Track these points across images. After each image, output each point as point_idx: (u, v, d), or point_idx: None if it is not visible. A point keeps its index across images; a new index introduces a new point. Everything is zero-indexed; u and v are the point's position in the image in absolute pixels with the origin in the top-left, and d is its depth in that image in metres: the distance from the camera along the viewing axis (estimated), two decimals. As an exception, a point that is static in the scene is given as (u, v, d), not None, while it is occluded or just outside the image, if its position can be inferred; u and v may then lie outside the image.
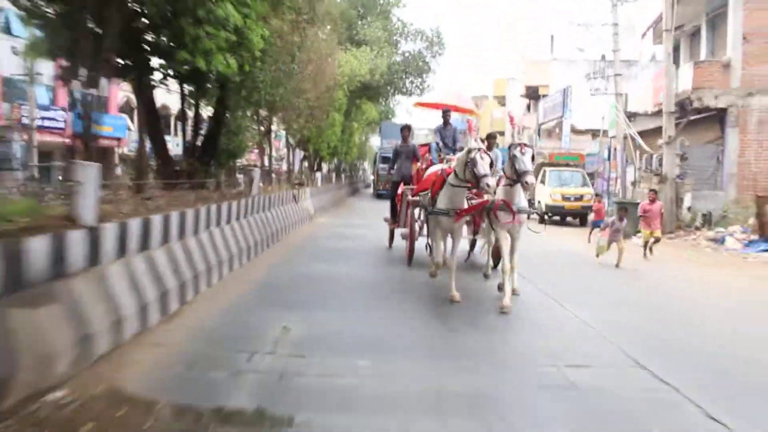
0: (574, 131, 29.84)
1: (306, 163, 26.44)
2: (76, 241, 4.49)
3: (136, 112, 16.22)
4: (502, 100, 49.74)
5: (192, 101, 11.46)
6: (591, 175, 24.94)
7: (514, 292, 7.64)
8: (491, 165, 7.19)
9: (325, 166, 33.23)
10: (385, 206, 13.87)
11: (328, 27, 17.63)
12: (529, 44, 49.17)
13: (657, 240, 13.20)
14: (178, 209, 6.63)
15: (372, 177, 44.71)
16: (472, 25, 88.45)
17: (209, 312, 6.23)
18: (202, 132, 11.46)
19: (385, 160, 30.53)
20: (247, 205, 9.78)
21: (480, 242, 10.12)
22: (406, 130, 11.92)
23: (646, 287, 9.69)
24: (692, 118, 19.42)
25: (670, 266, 12.35)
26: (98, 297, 4.65)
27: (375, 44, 25.00)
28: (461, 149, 8.30)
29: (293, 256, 10.48)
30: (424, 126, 32.80)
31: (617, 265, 11.50)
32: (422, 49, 29.76)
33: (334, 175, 37.85)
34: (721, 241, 15.67)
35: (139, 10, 8.44)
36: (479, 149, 7.06)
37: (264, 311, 6.43)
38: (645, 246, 13.32)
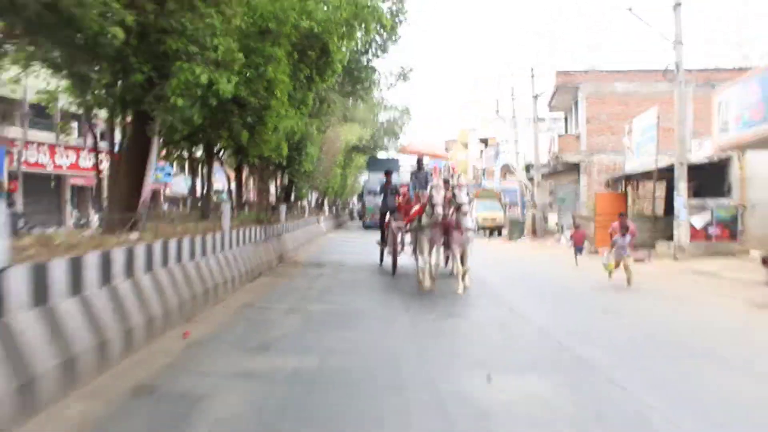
0: (510, 171, 43.83)
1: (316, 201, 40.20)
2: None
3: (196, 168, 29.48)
4: (466, 145, 64.14)
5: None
6: (513, 204, 39.12)
7: (466, 286, 11.47)
8: (447, 200, 11.34)
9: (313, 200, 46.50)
10: (371, 234, 25.44)
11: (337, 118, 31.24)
12: (486, 101, 63.32)
13: (626, 266, 13.05)
14: (276, 223, 20.17)
15: (358, 208, 52.38)
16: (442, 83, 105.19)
17: (311, 250, 19.78)
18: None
19: (371, 192, 38.53)
20: (305, 221, 23.53)
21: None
22: (389, 173, 16.08)
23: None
24: (560, 168, 33.48)
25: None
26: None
27: (361, 120, 38.62)
28: (431, 188, 11.71)
29: (327, 246, 24.09)
30: (406, 162, 45.98)
31: (629, 283, 12.65)
32: (395, 117, 43.79)
33: (328, 208, 51.11)
34: (558, 240, 29.52)
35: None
36: (435, 186, 11.31)
37: (322, 255, 19.98)
38: (616, 266, 13.37)
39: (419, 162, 15.42)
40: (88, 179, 30.19)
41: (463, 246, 11.89)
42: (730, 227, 18.94)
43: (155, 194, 34.68)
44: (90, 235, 8.11)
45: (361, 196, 48.73)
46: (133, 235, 7.70)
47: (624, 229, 13.14)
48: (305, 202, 33.52)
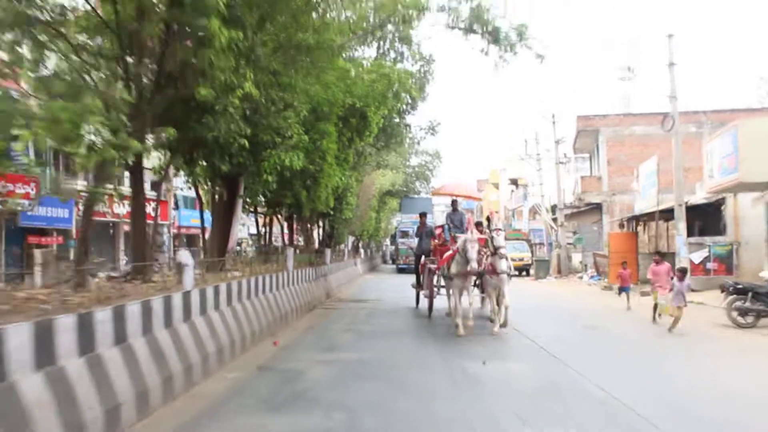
0: (538, 212, 47.06)
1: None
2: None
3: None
4: (497, 185, 67.48)
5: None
6: (540, 244, 42.26)
7: (503, 325, 12.27)
8: (482, 245, 12.31)
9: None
10: (405, 277, 28.71)
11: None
12: (516, 139, 66.88)
13: (665, 310, 13.54)
14: (321, 264, 23.77)
15: (391, 251, 54.44)
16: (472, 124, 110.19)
17: (358, 285, 23.29)
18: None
19: (404, 234, 41.29)
20: (345, 264, 27.13)
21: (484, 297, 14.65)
22: (423, 216, 16.94)
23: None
24: (583, 208, 36.70)
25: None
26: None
27: (393, 166, 42.29)
28: (467, 230, 12.87)
29: (365, 286, 27.58)
30: (440, 201, 48.86)
31: (670, 330, 12.68)
32: (426, 161, 47.62)
33: (363, 251, 54.61)
34: (581, 277, 32.57)
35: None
36: (471, 240, 11.98)
37: (362, 294, 23.46)
38: (655, 309, 14.25)
39: (454, 203, 16.10)
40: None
41: (499, 288, 12.57)
42: (726, 262, 21.90)
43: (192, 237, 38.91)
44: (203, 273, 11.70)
45: (393, 238, 50.70)
46: (236, 273, 11.27)
47: (683, 274, 13.42)
48: (343, 246, 37.21)
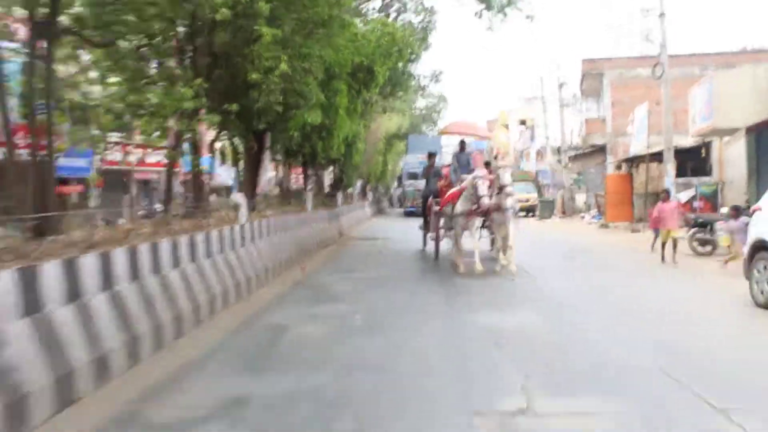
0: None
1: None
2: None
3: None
4: (507, 126, 70.32)
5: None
6: (547, 185, 45.55)
7: (510, 266, 12.78)
8: (491, 184, 12.62)
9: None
10: (412, 220, 31.19)
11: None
12: (524, 83, 69.53)
13: (675, 242, 14.69)
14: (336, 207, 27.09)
15: (399, 193, 54.60)
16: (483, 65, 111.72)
17: (370, 226, 26.72)
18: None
19: (411, 176, 41.84)
20: (354, 207, 30.46)
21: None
22: (432, 156, 17.52)
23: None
24: (587, 150, 39.77)
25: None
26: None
27: (399, 110, 45.19)
28: (473, 170, 13.37)
29: (373, 227, 31.00)
30: (450, 142, 51.59)
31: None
32: (433, 104, 50.60)
33: (370, 194, 58.02)
34: (583, 217, 35.88)
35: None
36: (481, 176, 12.61)
37: (371, 234, 26.89)
38: (663, 247, 15.07)
39: (462, 144, 16.21)
40: (146, 174, 37.27)
41: (506, 226, 13.16)
42: (712, 201, 25.07)
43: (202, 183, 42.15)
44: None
45: (400, 180, 51.51)
46: (269, 212, 14.62)
47: (736, 212, 13.66)
48: (351, 190, 40.53)
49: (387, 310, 9.64)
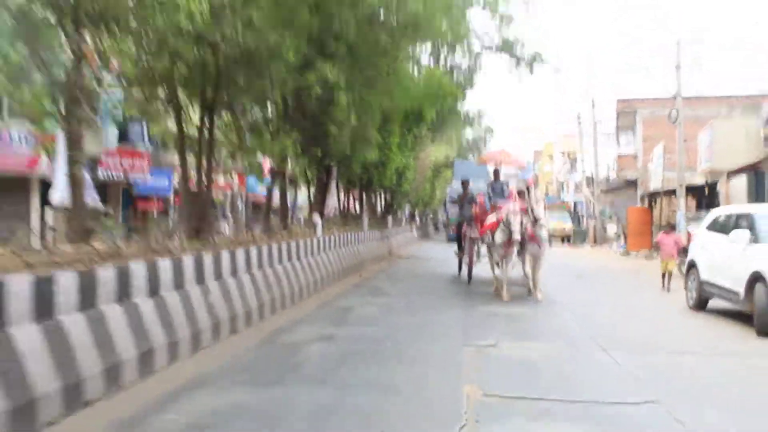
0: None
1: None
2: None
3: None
4: (551, 157, 73.87)
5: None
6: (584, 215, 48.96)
7: (539, 294, 13.67)
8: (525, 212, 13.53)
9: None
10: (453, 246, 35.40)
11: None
12: (567, 115, 73.02)
13: (669, 271, 16.14)
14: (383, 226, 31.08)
15: (443, 219, 56.92)
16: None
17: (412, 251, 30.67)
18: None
19: (453, 202, 48.55)
20: (402, 229, 34.43)
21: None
22: (465, 183, 18.29)
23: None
24: (619, 183, 43.16)
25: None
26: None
27: (447, 140, 49.28)
28: (509, 198, 14.47)
29: (419, 249, 34.92)
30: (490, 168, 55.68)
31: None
32: (479, 135, 54.63)
33: (418, 218, 62.09)
34: (611, 245, 39.23)
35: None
36: (513, 211, 13.53)
37: (417, 254, 30.80)
38: (663, 277, 16.45)
39: (496, 172, 17.30)
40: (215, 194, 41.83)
41: (536, 257, 14.04)
42: (717, 232, 28.39)
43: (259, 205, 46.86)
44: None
45: (445, 206, 56.92)
46: (335, 229, 18.70)
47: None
48: (400, 214, 44.55)
49: (420, 303, 13.55)
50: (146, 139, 30.80)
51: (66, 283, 5.91)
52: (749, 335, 10.26)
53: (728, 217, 12.66)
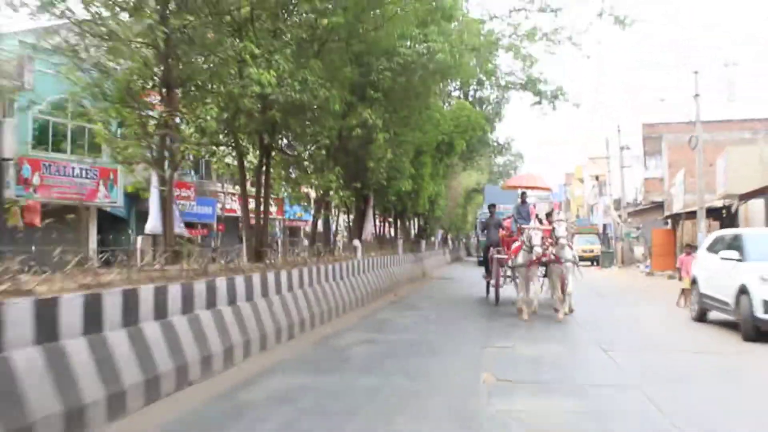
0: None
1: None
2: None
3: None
4: (582, 180, 75.08)
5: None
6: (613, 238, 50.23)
7: (567, 311, 14.20)
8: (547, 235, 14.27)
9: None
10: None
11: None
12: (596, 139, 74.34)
13: (689, 291, 16.04)
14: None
15: (474, 243, 56.88)
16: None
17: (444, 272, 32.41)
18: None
19: (485, 226, 50.32)
20: (435, 252, 36.17)
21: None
22: (492, 207, 19.06)
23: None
24: (647, 206, 44.43)
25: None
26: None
27: (478, 167, 51.05)
28: (529, 230, 14.40)
29: (450, 270, 36.60)
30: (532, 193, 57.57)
31: None
32: (510, 161, 56.39)
33: (451, 242, 63.87)
34: (638, 266, 40.48)
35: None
36: (535, 228, 14.14)
37: (449, 275, 32.54)
38: (681, 294, 17.24)
39: (523, 195, 17.87)
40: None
41: (563, 276, 14.46)
42: (737, 253, 29.64)
43: (297, 229, 48.81)
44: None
45: (475, 229, 58.20)
46: (373, 253, 20.52)
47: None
48: (433, 239, 46.25)
49: (449, 316, 15.29)
50: (192, 171, 33.34)
51: (174, 293, 7.81)
52: (736, 340, 11.80)
53: (724, 238, 14.23)
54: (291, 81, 10.06)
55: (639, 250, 44.03)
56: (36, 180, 24.45)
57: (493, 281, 17.78)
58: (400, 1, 13.52)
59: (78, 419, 5.65)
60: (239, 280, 9.66)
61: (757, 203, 29.17)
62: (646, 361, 9.74)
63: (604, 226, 53.75)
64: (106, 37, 9.22)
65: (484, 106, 31.95)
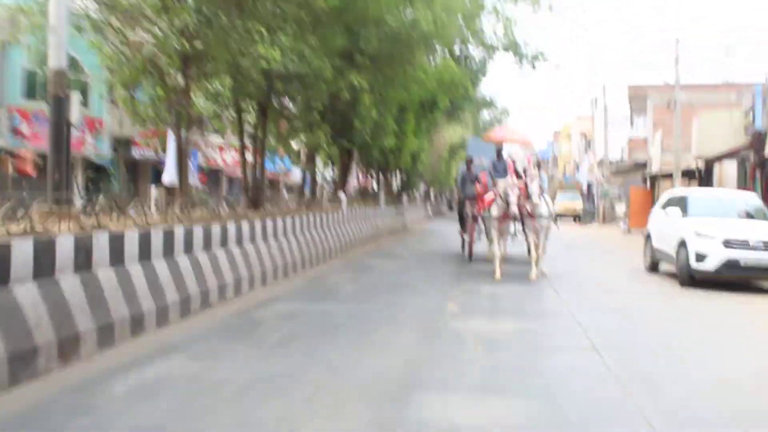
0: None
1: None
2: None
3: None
4: (569, 137, 77.61)
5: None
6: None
7: (542, 273, 14.62)
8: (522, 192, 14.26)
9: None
10: None
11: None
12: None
13: None
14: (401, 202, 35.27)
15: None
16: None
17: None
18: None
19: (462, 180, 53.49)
20: (417, 207, 38.62)
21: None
22: (469, 161, 19.65)
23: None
24: (630, 166, 47.00)
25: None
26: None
27: (463, 121, 53.25)
28: (506, 186, 14.77)
29: (431, 225, 39.14)
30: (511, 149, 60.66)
31: None
32: (496, 116, 58.68)
33: (432, 197, 66.51)
34: (619, 224, 43.19)
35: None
36: (512, 184, 14.48)
37: (429, 228, 35.02)
38: None
39: (498, 151, 18.03)
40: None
41: (537, 233, 14.80)
42: (711, 213, 32.33)
43: (277, 182, 51.11)
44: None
45: (456, 183, 60.79)
46: (356, 205, 22.86)
47: None
48: (415, 192, 48.68)
49: (426, 263, 17.72)
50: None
51: (197, 234, 10.10)
52: (674, 286, 14.32)
53: (673, 198, 16.71)
54: (291, 54, 12.22)
55: (621, 209, 46.70)
56: (25, 129, 26.49)
57: (467, 237, 18.41)
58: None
59: (163, 315, 8.15)
60: (245, 225, 11.95)
61: (731, 165, 31.80)
62: (587, 298, 12.24)
63: (588, 184, 56.25)
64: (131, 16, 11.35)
65: (468, 62, 33.98)
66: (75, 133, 28.52)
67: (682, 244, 14.28)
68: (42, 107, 26.45)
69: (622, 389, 6.36)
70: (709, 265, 13.60)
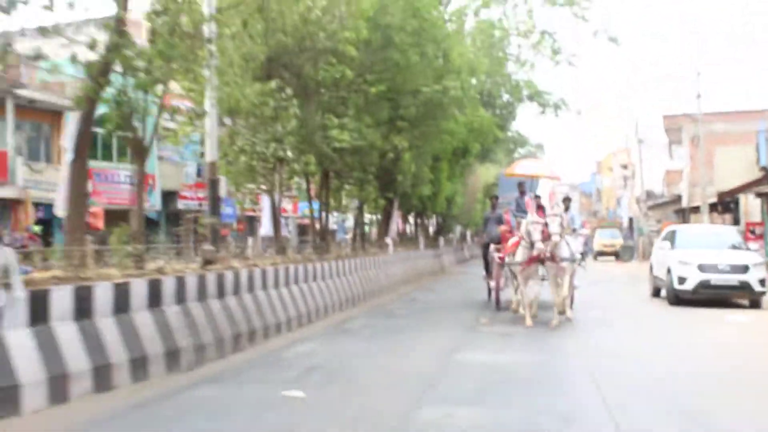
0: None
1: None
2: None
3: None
4: (611, 169, 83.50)
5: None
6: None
7: (568, 318, 15.50)
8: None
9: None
10: None
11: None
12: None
13: None
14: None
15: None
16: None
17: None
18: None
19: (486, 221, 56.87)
20: (454, 249, 44.74)
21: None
22: (494, 199, 20.67)
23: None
24: (666, 200, 52.73)
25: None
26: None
27: (497, 161, 59.34)
28: (527, 224, 14.87)
29: (468, 264, 45.13)
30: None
31: None
32: (531, 152, 64.99)
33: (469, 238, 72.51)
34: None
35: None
36: (533, 222, 14.41)
37: (465, 269, 41.01)
38: None
39: (521, 186, 18.27)
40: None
41: (560, 276, 15.18)
42: (738, 244, 37.91)
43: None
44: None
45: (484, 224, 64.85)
46: (399, 249, 28.97)
47: None
48: (451, 235, 54.64)
49: (463, 295, 23.64)
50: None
51: (292, 272, 16.18)
52: (665, 306, 20.07)
53: (668, 233, 22.65)
54: (352, 133, 18.49)
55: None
56: (89, 187, 32.83)
57: (493, 283, 18.70)
58: (421, 65, 22.17)
59: (237, 341, 14.18)
60: (316, 266, 17.91)
61: (756, 199, 37.52)
62: (591, 317, 18.08)
63: (630, 219, 61.97)
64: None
65: (497, 111, 40.30)
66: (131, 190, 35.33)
67: (669, 271, 20.03)
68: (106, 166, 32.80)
69: (584, 362, 12.22)
70: (688, 285, 19.29)
